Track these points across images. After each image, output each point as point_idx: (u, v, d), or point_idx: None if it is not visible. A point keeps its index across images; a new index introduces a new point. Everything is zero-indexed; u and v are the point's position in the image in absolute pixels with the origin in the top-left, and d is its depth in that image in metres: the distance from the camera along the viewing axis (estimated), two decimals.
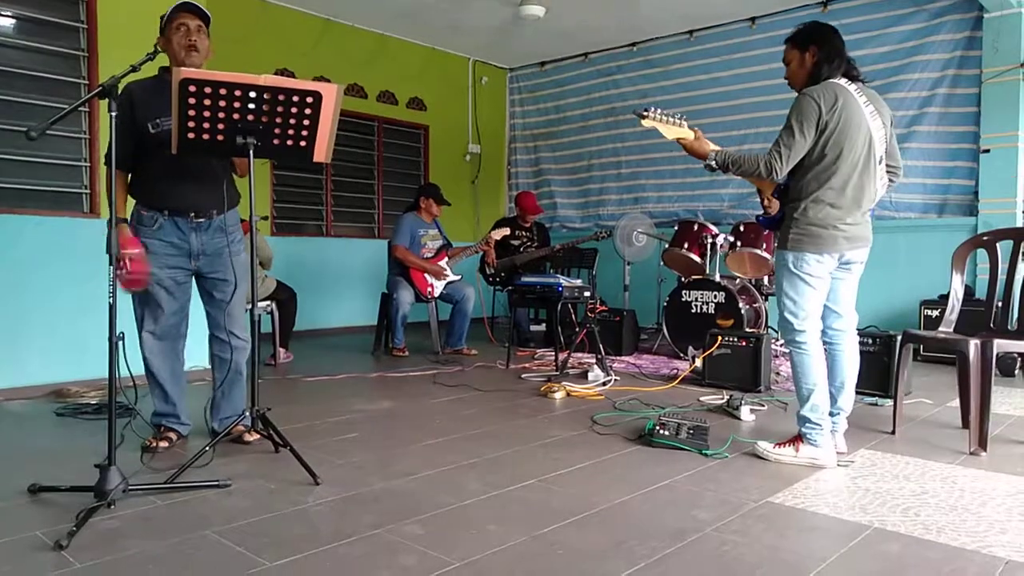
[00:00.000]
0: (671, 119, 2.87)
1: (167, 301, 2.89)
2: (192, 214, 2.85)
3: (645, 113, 2.85)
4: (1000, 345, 3.01)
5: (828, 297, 2.86)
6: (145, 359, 2.93)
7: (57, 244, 4.12)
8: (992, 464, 2.82)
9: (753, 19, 6.75)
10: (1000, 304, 3.32)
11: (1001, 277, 3.30)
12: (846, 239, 2.72)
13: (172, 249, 2.85)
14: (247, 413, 2.70)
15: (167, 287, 2.87)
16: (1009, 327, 3.30)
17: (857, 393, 3.92)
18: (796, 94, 2.77)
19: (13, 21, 4.10)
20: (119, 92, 2.38)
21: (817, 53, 2.74)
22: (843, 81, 2.72)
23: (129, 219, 2.83)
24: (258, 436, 2.95)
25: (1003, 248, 3.32)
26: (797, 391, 2.84)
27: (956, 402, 3.62)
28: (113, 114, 2.27)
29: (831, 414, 2.86)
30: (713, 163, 2.80)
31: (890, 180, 2.89)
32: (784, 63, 2.87)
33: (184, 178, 2.81)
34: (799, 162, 2.72)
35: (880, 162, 2.79)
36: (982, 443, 2.95)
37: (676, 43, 7.32)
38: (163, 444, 2.93)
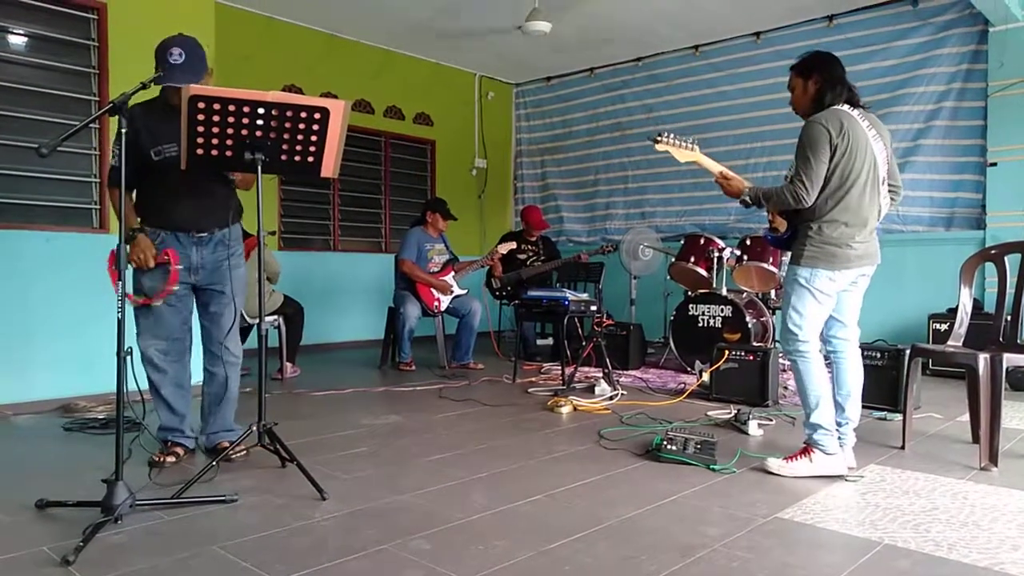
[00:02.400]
0: (683, 143, 3.03)
1: (169, 314, 2.92)
2: (193, 230, 2.88)
3: (659, 138, 3.03)
4: (1010, 359, 2.99)
5: (834, 308, 2.91)
6: (148, 374, 2.94)
7: (66, 259, 4.14)
8: (1003, 480, 2.80)
9: (758, 34, 6.77)
10: (1009, 318, 3.30)
11: (1010, 291, 3.29)
12: (858, 256, 2.81)
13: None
14: (236, 428, 2.68)
15: (168, 301, 2.90)
16: (1019, 341, 3.28)
17: (866, 407, 3.90)
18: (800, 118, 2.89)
19: (25, 39, 4.15)
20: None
21: (820, 80, 2.85)
22: (845, 107, 2.81)
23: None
24: (244, 452, 2.95)
25: (1011, 262, 3.31)
26: (804, 400, 2.85)
27: (966, 417, 3.59)
28: (124, 131, 2.30)
29: (839, 424, 2.89)
30: (747, 199, 2.93)
31: (892, 199, 2.96)
32: (789, 89, 2.97)
33: (185, 196, 2.84)
34: None
35: (883, 183, 2.86)
36: (993, 458, 2.93)
37: (681, 58, 7.35)
38: (170, 459, 2.93)
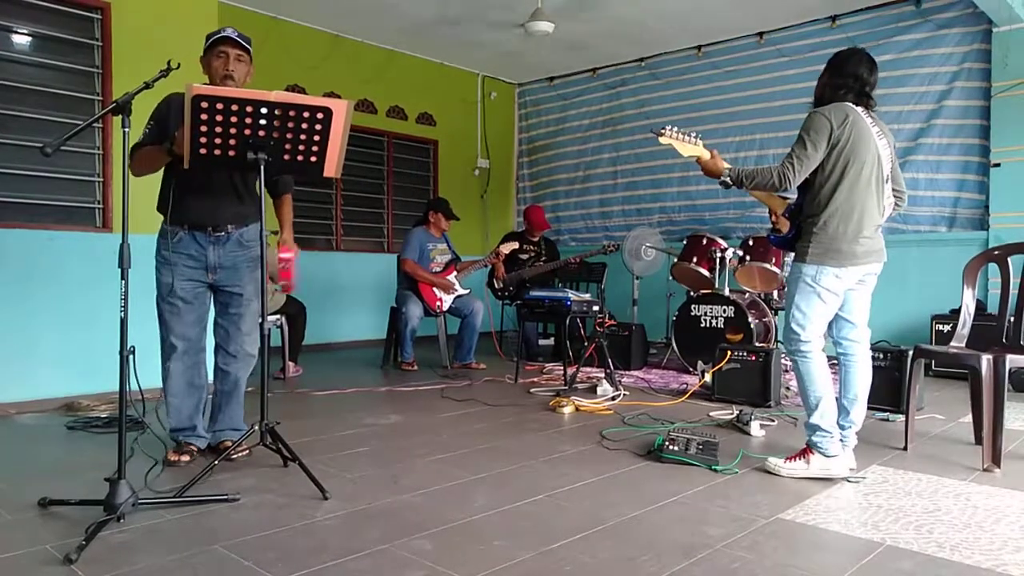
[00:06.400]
0: (687, 137, 3.00)
1: (186, 311, 2.93)
2: (210, 228, 2.90)
3: (663, 131, 2.98)
4: (1013, 360, 2.98)
5: (842, 308, 2.89)
6: (165, 372, 2.96)
7: (70, 258, 4.15)
8: (1006, 481, 2.79)
9: (761, 34, 6.76)
10: (1012, 319, 3.30)
11: (1013, 292, 3.28)
12: (865, 253, 2.78)
13: (191, 261, 2.91)
14: (244, 427, 2.68)
15: (185, 297, 2.92)
16: (1022, 342, 3.27)
17: (869, 408, 3.90)
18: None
19: (29, 38, 4.16)
20: (163, 99, 2.79)
21: (826, 79, 2.87)
22: (850, 104, 2.79)
23: (158, 234, 2.95)
24: (247, 451, 2.96)
25: (1015, 262, 3.30)
26: (805, 400, 2.84)
27: (969, 418, 3.59)
28: (126, 130, 2.30)
29: (842, 426, 2.87)
30: (728, 179, 2.89)
31: (896, 204, 2.94)
32: None
33: (203, 193, 2.86)
34: (816, 179, 2.79)
35: (887, 181, 2.84)
36: (995, 459, 2.92)
37: (684, 58, 7.35)
38: (184, 458, 2.93)
